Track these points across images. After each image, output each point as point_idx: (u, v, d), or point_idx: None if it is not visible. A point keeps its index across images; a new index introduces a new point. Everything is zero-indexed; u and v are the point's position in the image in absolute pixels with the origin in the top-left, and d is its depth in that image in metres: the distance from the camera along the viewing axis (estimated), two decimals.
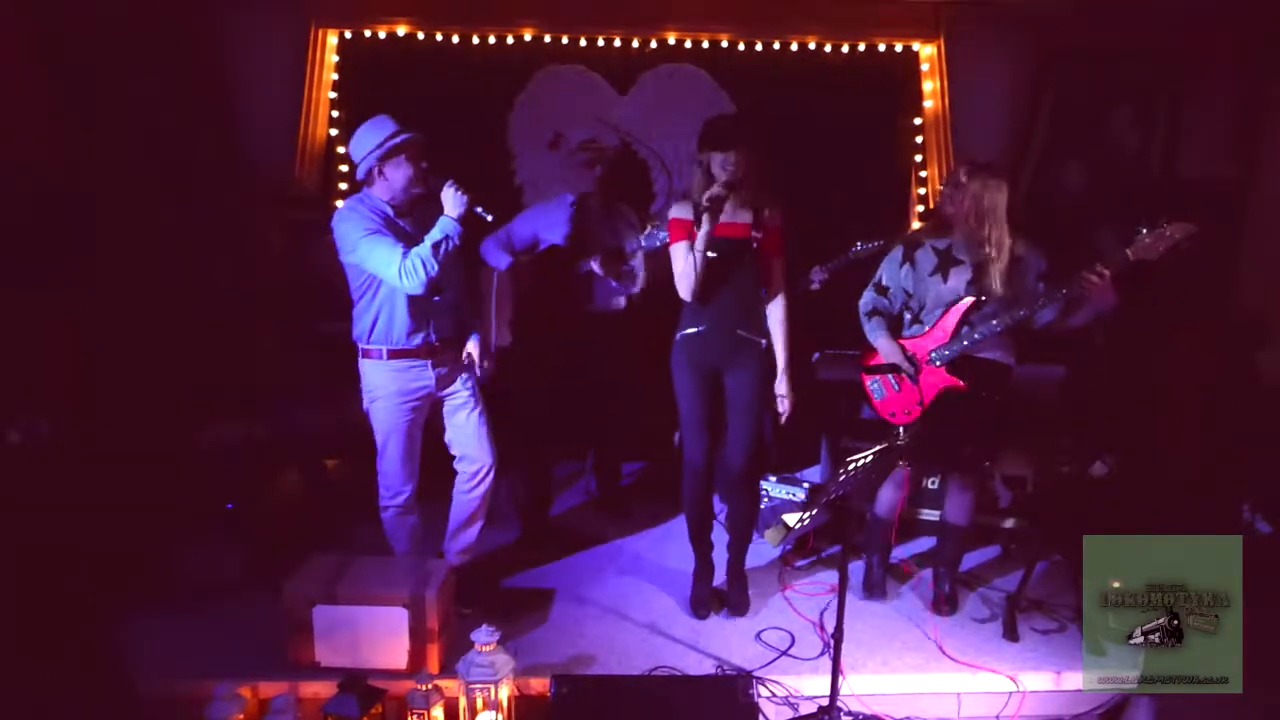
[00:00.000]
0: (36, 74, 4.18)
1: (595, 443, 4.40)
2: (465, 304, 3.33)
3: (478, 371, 3.30)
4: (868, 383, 3.36)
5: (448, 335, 3.20)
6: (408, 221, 3.09)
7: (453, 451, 3.32)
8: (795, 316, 3.22)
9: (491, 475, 3.32)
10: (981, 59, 4.69)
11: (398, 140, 2.97)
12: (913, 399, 3.23)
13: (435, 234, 2.95)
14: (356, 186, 4.73)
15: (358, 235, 2.96)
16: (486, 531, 3.44)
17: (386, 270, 2.95)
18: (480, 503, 3.33)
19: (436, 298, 3.11)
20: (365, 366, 3.16)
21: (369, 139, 2.99)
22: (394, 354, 3.11)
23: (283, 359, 4.47)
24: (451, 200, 2.97)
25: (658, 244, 3.52)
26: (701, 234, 3.03)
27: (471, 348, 3.30)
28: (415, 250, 2.93)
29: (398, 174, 3.01)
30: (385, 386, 3.13)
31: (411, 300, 3.06)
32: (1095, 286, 2.90)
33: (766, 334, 3.19)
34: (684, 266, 3.10)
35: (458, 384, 3.26)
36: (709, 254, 3.07)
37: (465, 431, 3.28)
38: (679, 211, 3.14)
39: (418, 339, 3.12)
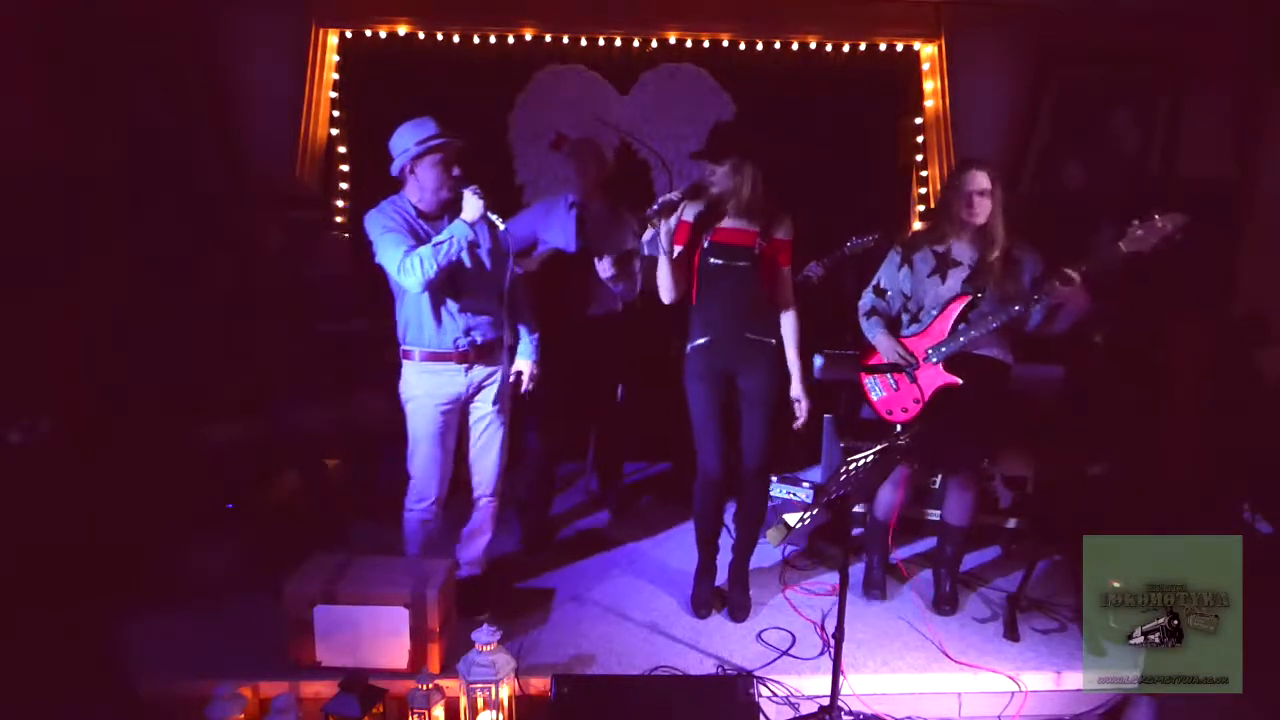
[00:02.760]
0: (36, 74, 4.18)
1: (597, 443, 4.40)
2: (507, 310, 3.25)
3: (524, 387, 3.31)
4: (866, 382, 3.36)
5: (484, 340, 3.14)
6: (434, 227, 3.05)
7: (469, 459, 3.32)
8: (805, 322, 3.23)
9: (492, 500, 3.33)
10: (982, 59, 4.69)
11: (431, 143, 2.94)
12: (910, 397, 3.24)
13: (442, 235, 2.92)
14: (357, 186, 4.79)
15: (376, 232, 2.96)
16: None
17: (390, 265, 2.93)
18: (483, 518, 3.34)
19: (455, 302, 3.06)
20: (404, 368, 3.15)
21: (407, 137, 2.97)
22: (428, 356, 3.08)
23: (283, 359, 4.47)
24: (470, 204, 2.93)
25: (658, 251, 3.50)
26: (662, 235, 3.03)
27: (523, 366, 3.31)
28: (419, 249, 2.91)
29: (427, 176, 2.98)
30: (417, 388, 3.11)
31: (435, 302, 3.03)
32: (1065, 291, 2.91)
33: (776, 334, 3.18)
34: (659, 269, 3.12)
35: (488, 396, 3.21)
36: (713, 260, 3.09)
37: (477, 446, 3.27)
38: (684, 214, 3.15)
39: (450, 343, 3.07)
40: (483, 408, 3.23)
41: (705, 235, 3.11)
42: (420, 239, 2.98)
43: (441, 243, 2.90)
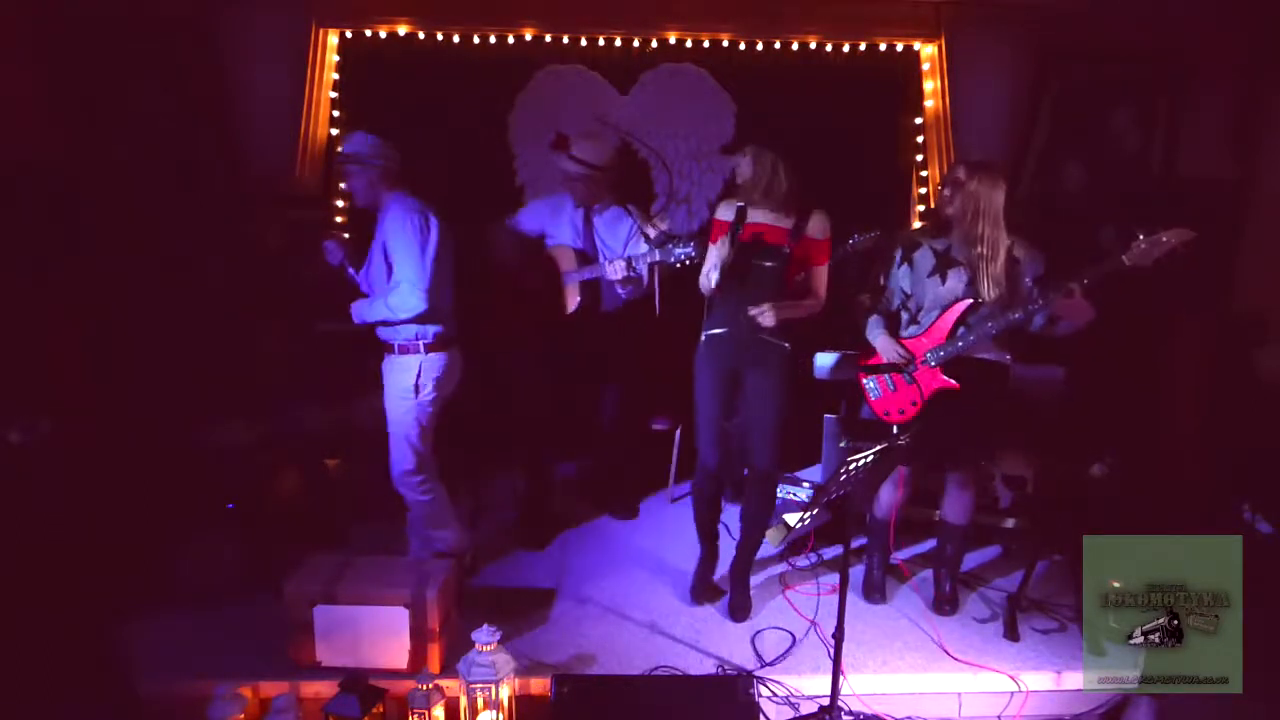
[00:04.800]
0: (36, 74, 4.18)
1: (597, 441, 4.37)
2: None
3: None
4: (864, 382, 3.36)
5: (382, 340, 3.38)
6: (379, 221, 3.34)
7: None
8: (812, 321, 3.24)
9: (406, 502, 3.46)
10: (982, 59, 4.69)
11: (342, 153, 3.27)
12: (908, 398, 3.24)
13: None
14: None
15: None
16: (488, 531, 3.45)
17: None
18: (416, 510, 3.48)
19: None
20: None
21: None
22: None
23: (283, 359, 4.47)
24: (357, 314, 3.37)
25: (672, 260, 3.46)
26: (722, 250, 3.06)
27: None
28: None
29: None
30: None
31: None
32: (1067, 305, 2.91)
33: (790, 337, 3.17)
34: (705, 267, 3.15)
35: (387, 394, 3.40)
36: (739, 256, 3.11)
37: None
38: (722, 213, 3.17)
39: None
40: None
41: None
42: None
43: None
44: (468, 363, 3.53)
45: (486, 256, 4.01)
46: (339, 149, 3.35)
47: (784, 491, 3.99)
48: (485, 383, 4.46)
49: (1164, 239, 2.80)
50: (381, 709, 2.72)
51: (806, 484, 4.00)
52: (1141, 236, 2.82)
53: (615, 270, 3.60)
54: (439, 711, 2.74)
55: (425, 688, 2.73)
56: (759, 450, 3.24)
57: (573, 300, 3.82)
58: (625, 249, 3.80)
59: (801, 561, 3.83)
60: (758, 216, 3.12)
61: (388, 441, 3.38)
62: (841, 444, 4.01)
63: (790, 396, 3.21)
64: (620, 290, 3.76)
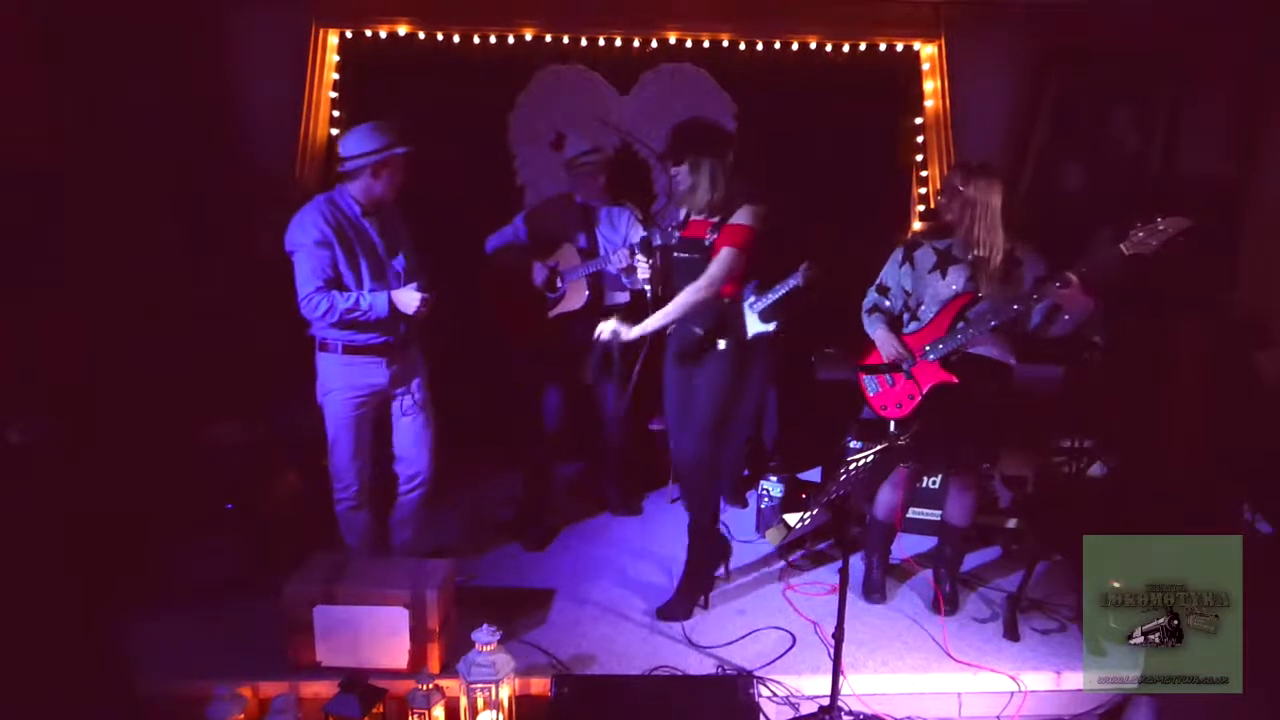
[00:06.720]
0: (36, 74, 4.18)
1: (595, 442, 4.38)
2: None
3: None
4: (863, 378, 3.36)
5: (404, 336, 3.28)
6: (373, 222, 3.21)
7: (395, 452, 3.43)
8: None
9: (424, 484, 3.44)
10: (982, 59, 4.69)
11: (395, 152, 3.10)
12: (906, 393, 3.24)
13: (362, 305, 3.09)
14: None
15: (302, 239, 3.13)
16: (488, 531, 3.48)
17: (299, 288, 3.11)
18: (413, 508, 3.46)
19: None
20: (321, 361, 3.25)
21: (367, 142, 3.08)
22: (349, 349, 3.20)
23: (283, 359, 4.46)
24: (407, 302, 3.11)
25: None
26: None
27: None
28: (334, 297, 3.07)
29: (382, 181, 3.13)
30: (338, 381, 3.23)
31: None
32: (1064, 294, 2.91)
33: (726, 333, 3.16)
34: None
35: (408, 386, 3.36)
36: (675, 254, 3.20)
37: (405, 435, 3.40)
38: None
39: (374, 337, 3.20)
40: (406, 398, 3.37)
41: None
42: (347, 240, 3.13)
43: (354, 310, 3.09)
44: (471, 362, 3.57)
45: (487, 258, 4.02)
46: (390, 141, 3.10)
47: (784, 492, 4.00)
48: (485, 383, 4.48)
49: (1161, 226, 2.80)
50: (381, 709, 2.72)
51: (775, 478, 4.03)
52: (1139, 224, 2.83)
53: (620, 259, 3.61)
54: (439, 711, 2.74)
55: (425, 688, 2.73)
56: (678, 440, 3.29)
57: (580, 297, 3.82)
58: (625, 241, 3.84)
59: (801, 561, 3.83)
60: (694, 215, 3.20)
61: (427, 440, 3.42)
62: (841, 444, 4.01)
63: (718, 395, 3.18)
64: (626, 280, 3.78)
